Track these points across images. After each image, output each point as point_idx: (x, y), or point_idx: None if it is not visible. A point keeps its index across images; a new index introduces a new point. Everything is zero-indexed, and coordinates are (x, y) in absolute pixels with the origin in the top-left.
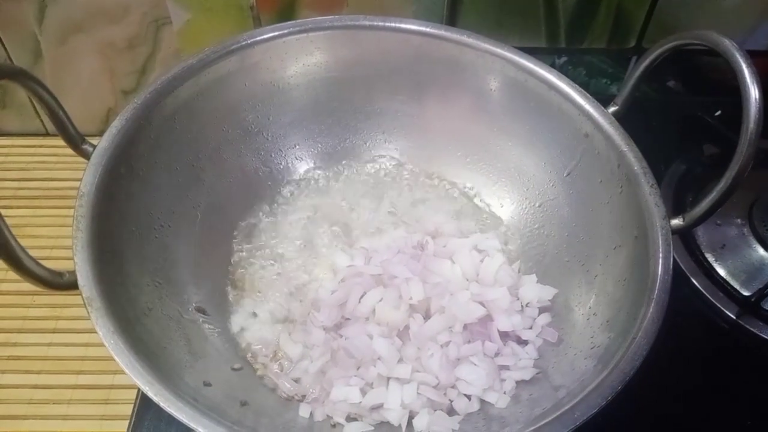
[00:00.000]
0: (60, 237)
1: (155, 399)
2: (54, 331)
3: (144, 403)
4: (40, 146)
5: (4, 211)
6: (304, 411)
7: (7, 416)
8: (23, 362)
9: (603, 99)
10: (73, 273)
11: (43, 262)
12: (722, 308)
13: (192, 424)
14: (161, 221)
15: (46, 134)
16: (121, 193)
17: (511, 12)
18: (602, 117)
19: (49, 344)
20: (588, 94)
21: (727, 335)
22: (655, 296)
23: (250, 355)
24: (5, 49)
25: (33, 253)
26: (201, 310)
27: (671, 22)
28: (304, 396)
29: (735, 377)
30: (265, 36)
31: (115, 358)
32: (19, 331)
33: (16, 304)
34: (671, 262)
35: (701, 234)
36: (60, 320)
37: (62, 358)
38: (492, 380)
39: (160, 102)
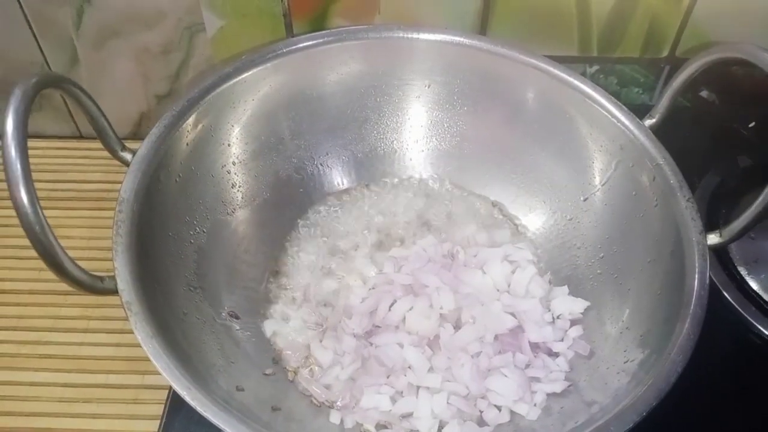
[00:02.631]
0: (92, 238)
1: (192, 404)
2: (85, 330)
3: (175, 405)
4: (74, 149)
5: None
6: (334, 417)
7: (38, 413)
8: (55, 361)
9: (635, 108)
10: (112, 277)
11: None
12: (755, 323)
13: (229, 430)
14: (197, 227)
15: (80, 137)
16: (158, 199)
17: (543, 20)
18: (638, 129)
19: (81, 344)
20: (623, 106)
21: (760, 350)
22: (690, 312)
23: (281, 360)
24: (42, 53)
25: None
26: (234, 315)
27: (706, 32)
28: (334, 402)
29: (766, 391)
30: (301, 45)
31: (154, 362)
32: (51, 330)
33: (49, 304)
34: (707, 278)
35: (734, 247)
36: (91, 320)
37: (93, 358)
38: (523, 392)
39: (198, 110)
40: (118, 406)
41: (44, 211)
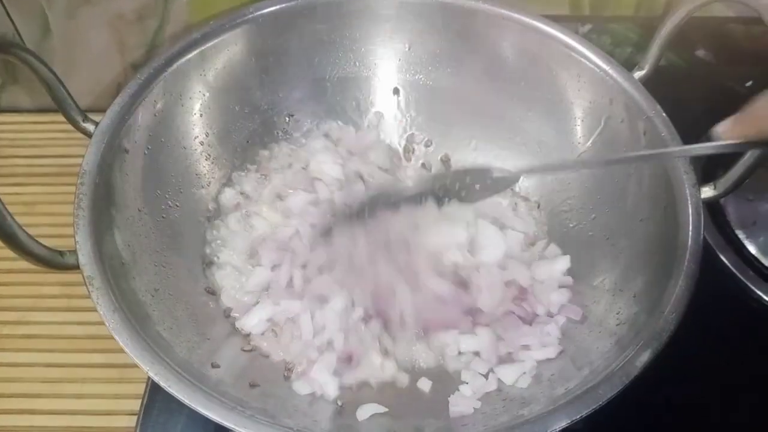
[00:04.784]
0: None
1: (155, 378)
2: (67, 309)
3: (155, 383)
4: (52, 122)
5: (16, 189)
6: (298, 386)
7: (22, 394)
8: (37, 341)
9: (629, 69)
10: (74, 252)
11: (56, 240)
12: (751, 286)
13: (192, 405)
14: (169, 201)
15: (58, 110)
16: (125, 172)
17: None
18: (627, 81)
19: (63, 323)
20: (611, 58)
21: (758, 314)
22: (684, 268)
23: (255, 333)
24: (14, 24)
25: (45, 230)
26: (210, 291)
27: None
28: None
29: (764, 357)
30: (272, 8)
31: (115, 337)
32: (32, 309)
33: (28, 283)
34: (702, 232)
35: (731, 210)
36: (73, 299)
37: (76, 337)
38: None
39: (165, 78)
40: (102, 385)
41: (24, 188)
